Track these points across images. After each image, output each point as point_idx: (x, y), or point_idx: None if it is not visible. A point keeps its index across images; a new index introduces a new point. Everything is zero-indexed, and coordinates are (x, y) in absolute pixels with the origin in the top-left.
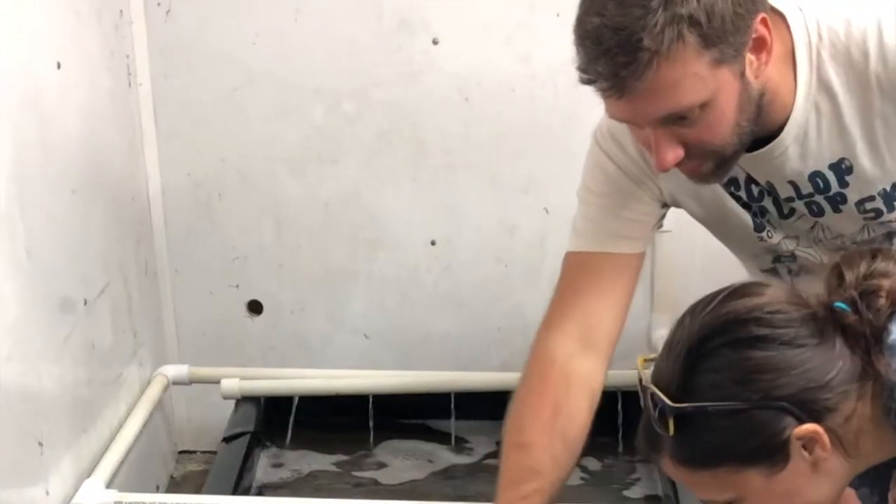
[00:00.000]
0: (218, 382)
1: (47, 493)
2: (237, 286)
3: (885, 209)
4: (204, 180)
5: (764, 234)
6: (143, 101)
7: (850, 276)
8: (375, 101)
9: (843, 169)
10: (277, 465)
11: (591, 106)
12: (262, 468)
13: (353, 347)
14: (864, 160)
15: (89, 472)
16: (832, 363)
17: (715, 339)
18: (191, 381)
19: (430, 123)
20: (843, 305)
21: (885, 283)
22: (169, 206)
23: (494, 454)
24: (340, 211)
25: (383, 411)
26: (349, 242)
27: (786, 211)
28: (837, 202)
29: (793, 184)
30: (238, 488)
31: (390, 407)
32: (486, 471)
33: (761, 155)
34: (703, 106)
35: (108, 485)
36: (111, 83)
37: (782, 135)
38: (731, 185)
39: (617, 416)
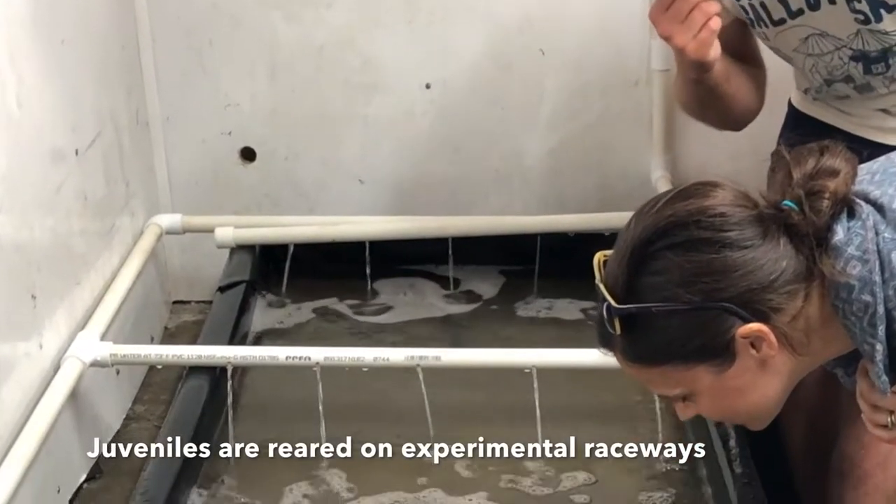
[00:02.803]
0: (212, 231)
1: (41, 347)
2: (230, 133)
3: (871, 16)
4: (195, 27)
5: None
6: None
7: (797, 174)
8: None
9: None
10: (273, 314)
11: None
12: (258, 317)
13: (348, 193)
14: None
15: (83, 325)
16: (776, 264)
17: (657, 242)
18: (184, 231)
19: None
20: (790, 204)
21: (830, 183)
22: (160, 54)
23: (493, 300)
24: (334, 55)
25: (380, 257)
26: (343, 87)
27: (776, 18)
28: None
29: None
30: (234, 338)
31: (387, 253)
32: (487, 316)
33: None
34: None
35: (103, 337)
36: None
37: None
38: None
39: None
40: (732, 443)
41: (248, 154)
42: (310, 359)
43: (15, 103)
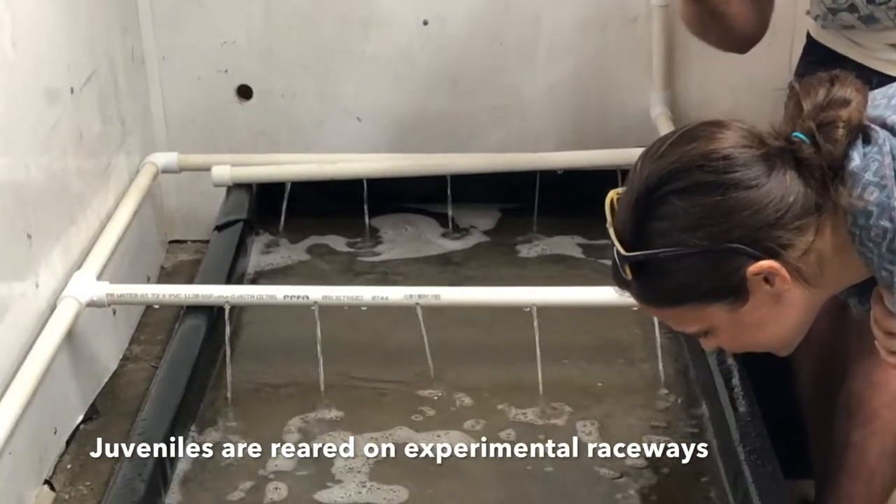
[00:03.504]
0: (208, 170)
1: (37, 286)
2: (226, 71)
3: None
4: None
5: None
6: None
7: (807, 106)
8: None
9: None
10: (271, 253)
11: None
12: (256, 256)
13: (345, 130)
14: None
15: (79, 264)
16: (783, 200)
17: (662, 188)
18: (180, 169)
19: None
20: (801, 136)
21: (843, 112)
22: None
23: (492, 237)
24: None
25: (378, 196)
26: (340, 23)
27: None
28: None
29: None
30: (231, 277)
31: (385, 191)
32: (485, 254)
33: None
34: None
35: (99, 276)
36: None
37: None
38: None
39: None
40: (735, 381)
41: (244, 92)
42: (308, 297)
43: (9, 42)
